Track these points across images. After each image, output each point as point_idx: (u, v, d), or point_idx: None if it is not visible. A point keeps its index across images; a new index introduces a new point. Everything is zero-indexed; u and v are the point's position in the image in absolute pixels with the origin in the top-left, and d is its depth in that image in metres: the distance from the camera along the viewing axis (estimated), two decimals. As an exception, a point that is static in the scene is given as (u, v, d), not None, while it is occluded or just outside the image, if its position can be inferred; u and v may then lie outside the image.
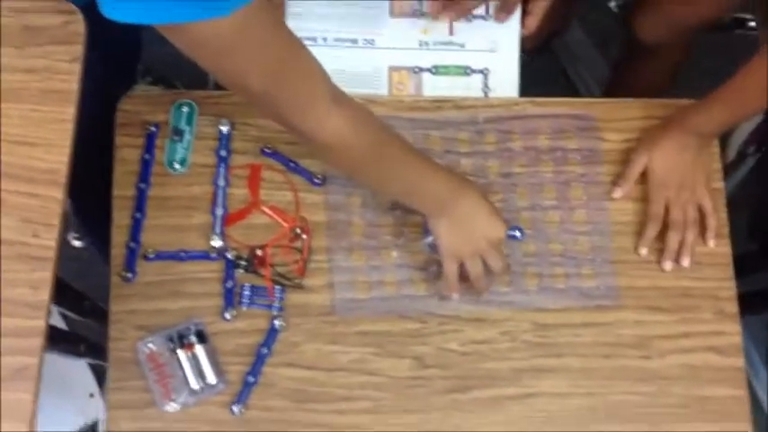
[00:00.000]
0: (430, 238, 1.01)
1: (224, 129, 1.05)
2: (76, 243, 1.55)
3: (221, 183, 1.04)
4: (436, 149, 1.08)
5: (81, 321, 1.27)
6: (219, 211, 1.03)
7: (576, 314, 1.05)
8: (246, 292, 1.00)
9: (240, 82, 0.77)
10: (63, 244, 1.50)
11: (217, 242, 1.01)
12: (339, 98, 0.84)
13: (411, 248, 1.05)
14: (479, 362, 1.03)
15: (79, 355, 1.19)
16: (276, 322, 0.99)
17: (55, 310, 1.41)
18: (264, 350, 0.99)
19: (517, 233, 1.03)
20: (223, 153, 1.05)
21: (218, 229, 1.02)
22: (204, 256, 1.02)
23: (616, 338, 1.05)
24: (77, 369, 1.46)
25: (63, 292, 1.13)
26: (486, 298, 1.03)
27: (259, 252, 1.01)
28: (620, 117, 1.12)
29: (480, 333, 1.04)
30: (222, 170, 1.04)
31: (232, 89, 0.82)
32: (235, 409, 0.97)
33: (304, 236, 1.03)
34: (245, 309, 1.00)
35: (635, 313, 1.06)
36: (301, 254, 1.02)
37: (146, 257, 1.00)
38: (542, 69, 1.79)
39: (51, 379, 1.29)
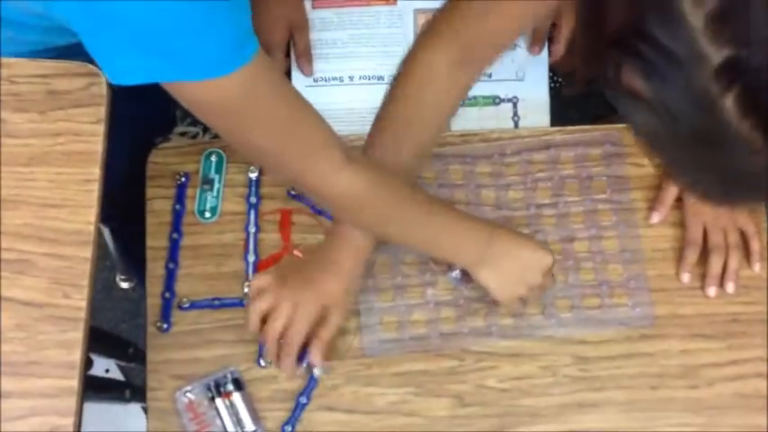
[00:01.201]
0: (456, 272, 1.00)
1: (253, 175, 1.06)
2: (124, 285, 1.58)
3: (252, 229, 1.04)
4: (457, 182, 1.07)
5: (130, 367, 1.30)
6: (251, 258, 1.04)
7: (618, 345, 1.02)
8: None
9: (246, 140, 0.77)
10: (111, 286, 1.56)
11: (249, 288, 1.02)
12: (352, 156, 0.83)
13: (439, 284, 1.03)
14: (519, 398, 1.01)
15: (125, 400, 1.21)
16: (316, 371, 0.99)
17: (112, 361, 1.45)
18: (303, 399, 0.99)
19: None
20: (253, 200, 1.05)
21: (251, 276, 1.03)
22: (238, 303, 1.02)
23: (661, 369, 1.02)
24: (131, 414, 1.49)
25: (106, 341, 1.15)
26: (522, 332, 1.02)
27: None
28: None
29: (518, 368, 1.02)
30: (253, 216, 1.05)
31: (237, 147, 0.83)
32: (274, 455, 0.97)
33: None
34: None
35: (679, 342, 1.02)
36: None
37: (180, 307, 1.01)
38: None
39: (106, 425, 1.33)
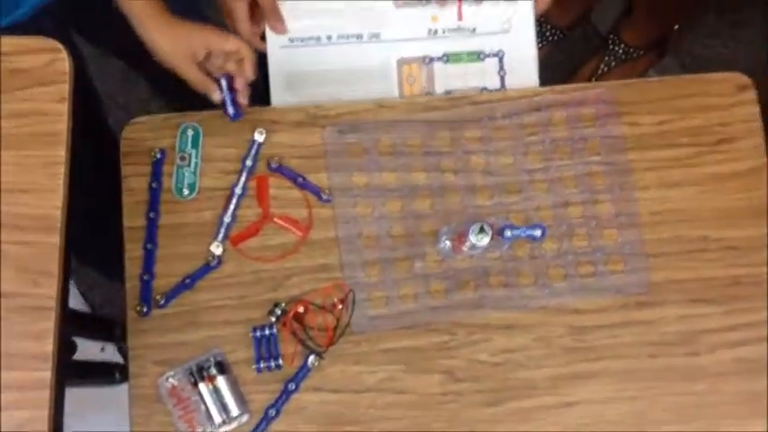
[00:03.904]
0: (445, 243, 0.97)
1: (260, 138, 1.02)
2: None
3: (238, 191, 1.01)
4: (444, 149, 1.03)
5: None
6: (227, 219, 1.00)
7: (614, 314, 0.99)
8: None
9: None
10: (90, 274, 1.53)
11: (218, 249, 0.99)
12: None
13: (427, 257, 1.00)
14: (513, 371, 0.98)
15: (115, 382, 1.18)
16: (310, 359, 0.96)
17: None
18: (292, 386, 0.96)
19: (537, 232, 0.97)
20: (249, 162, 1.01)
21: (220, 237, 0.99)
22: (206, 268, 0.99)
23: (659, 337, 0.98)
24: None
25: (90, 324, 1.12)
26: (515, 303, 0.98)
27: (300, 309, 0.97)
28: (650, 98, 1.04)
29: (512, 341, 0.98)
30: (243, 179, 1.01)
31: None
32: (262, 438, 0.95)
33: (339, 306, 0.98)
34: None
35: (678, 308, 0.99)
36: (336, 322, 0.97)
37: (158, 305, 0.98)
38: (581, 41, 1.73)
39: (99, 407, 1.31)
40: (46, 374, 0.81)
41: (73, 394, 0.96)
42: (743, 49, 1.74)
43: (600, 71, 1.73)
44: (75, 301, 1.49)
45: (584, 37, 1.79)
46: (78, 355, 1.15)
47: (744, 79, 1.05)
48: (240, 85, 1.00)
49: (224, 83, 0.99)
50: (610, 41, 1.72)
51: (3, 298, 0.81)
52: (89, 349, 1.39)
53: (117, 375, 1.19)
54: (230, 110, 1.00)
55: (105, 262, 1.23)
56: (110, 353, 1.44)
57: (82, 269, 1.47)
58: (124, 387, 1.39)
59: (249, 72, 1.00)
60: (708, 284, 0.99)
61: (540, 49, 1.10)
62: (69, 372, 0.87)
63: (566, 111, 1.04)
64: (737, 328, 0.98)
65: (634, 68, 1.73)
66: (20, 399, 0.80)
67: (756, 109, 1.04)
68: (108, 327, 1.21)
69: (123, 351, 1.46)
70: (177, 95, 1.05)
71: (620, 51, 1.72)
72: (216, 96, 0.99)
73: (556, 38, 1.76)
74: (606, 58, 1.74)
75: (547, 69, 1.10)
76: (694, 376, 0.98)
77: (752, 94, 1.04)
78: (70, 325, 0.92)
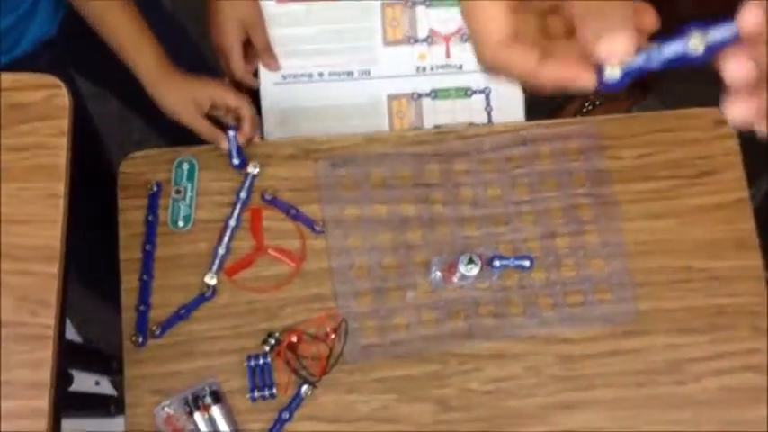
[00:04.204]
0: (436, 273, 0.99)
1: (254, 171, 1.04)
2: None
3: (232, 223, 1.02)
4: (434, 181, 1.05)
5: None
6: (221, 251, 1.02)
7: (603, 343, 1.01)
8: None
9: None
10: (90, 303, 1.54)
11: (212, 280, 1.00)
12: None
13: (419, 287, 1.02)
14: (504, 400, 0.99)
15: (111, 415, 1.19)
16: (303, 388, 0.97)
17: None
18: (286, 415, 0.97)
19: (526, 262, 0.99)
20: (243, 195, 1.03)
21: (214, 269, 1.01)
22: (200, 299, 1.00)
23: (647, 365, 1.00)
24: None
25: (86, 356, 1.13)
26: (505, 333, 1.00)
27: (294, 339, 0.98)
28: (632, 133, 1.07)
29: (503, 370, 1.00)
30: (237, 211, 1.03)
31: None
32: (255, 468, 0.95)
33: (332, 335, 0.99)
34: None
35: (665, 337, 1.01)
36: (329, 351, 0.98)
37: (154, 336, 0.99)
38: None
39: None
40: (43, 403, 0.82)
41: (70, 425, 0.97)
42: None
43: (585, 110, 1.77)
44: (70, 334, 1.50)
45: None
46: (73, 388, 1.16)
47: (721, 114, 1.08)
48: (241, 141, 1.03)
49: (231, 134, 1.01)
50: None
51: (3, 326, 0.83)
52: (84, 382, 1.40)
53: (112, 408, 1.19)
54: (236, 161, 1.03)
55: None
56: (104, 386, 1.45)
57: (77, 302, 1.49)
58: (119, 420, 1.40)
59: (248, 131, 1.03)
60: (693, 314, 1.02)
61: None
62: (65, 402, 0.87)
63: (551, 144, 1.07)
64: (723, 356, 1.00)
65: (618, 108, 1.77)
66: (17, 427, 0.81)
67: (735, 142, 1.07)
68: (104, 359, 1.22)
69: (117, 383, 1.46)
70: (174, 136, 1.08)
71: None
72: (224, 146, 1.02)
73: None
74: (591, 97, 1.77)
75: (532, 107, 1.13)
76: (681, 404, 0.99)
77: (730, 129, 1.07)
78: (66, 356, 0.93)
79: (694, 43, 0.43)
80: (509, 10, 0.48)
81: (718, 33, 0.42)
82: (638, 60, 0.44)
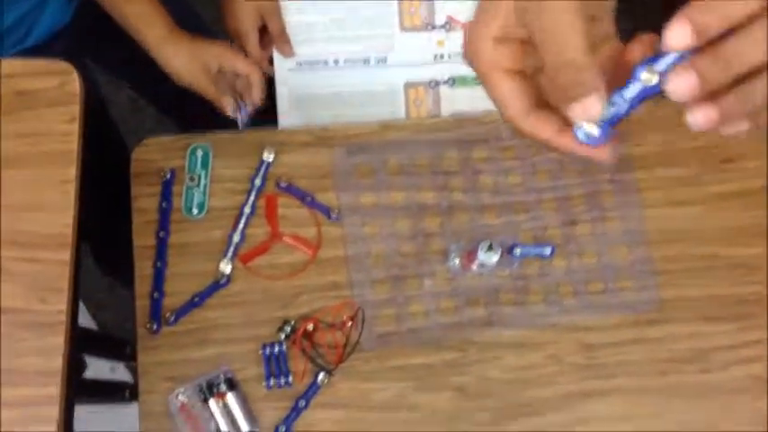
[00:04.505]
0: (455, 261, 0.97)
1: (269, 158, 1.03)
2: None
3: (247, 210, 1.01)
4: (452, 168, 1.03)
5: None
6: (236, 238, 1.00)
7: (625, 331, 0.99)
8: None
9: None
10: (114, 285, 1.53)
11: (227, 267, 0.99)
12: None
13: (437, 275, 1.00)
14: (524, 389, 0.97)
15: (125, 401, 1.18)
16: (320, 376, 0.96)
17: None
18: (302, 403, 0.95)
19: (547, 250, 0.97)
20: (258, 182, 1.02)
21: (229, 255, 1.00)
22: (215, 286, 0.99)
23: (671, 353, 0.98)
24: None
25: (99, 343, 1.12)
26: (525, 321, 0.98)
27: (310, 327, 0.97)
28: (655, 118, 1.05)
29: (523, 358, 0.98)
30: (252, 198, 1.01)
31: None
32: (271, 456, 0.94)
33: (349, 323, 0.98)
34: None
35: (688, 325, 0.99)
36: (346, 339, 0.97)
37: (168, 323, 0.98)
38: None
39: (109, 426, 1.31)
40: (55, 390, 0.81)
41: (84, 411, 0.96)
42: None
43: None
44: (85, 320, 1.50)
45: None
46: (88, 375, 1.15)
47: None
48: (248, 109, 1.01)
49: (242, 105, 1.00)
50: None
51: (12, 314, 0.82)
52: (99, 369, 1.39)
53: (126, 394, 1.18)
54: (243, 114, 1.02)
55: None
56: (119, 373, 1.44)
57: (93, 288, 1.49)
58: (134, 406, 1.40)
59: (257, 98, 1.01)
60: (717, 301, 0.99)
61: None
62: (79, 389, 0.86)
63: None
64: (749, 344, 0.98)
65: None
66: (28, 415, 0.80)
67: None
68: (118, 345, 1.21)
69: (133, 369, 1.46)
70: (187, 123, 1.06)
71: None
72: (229, 111, 1.00)
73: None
74: None
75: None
76: (706, 393, 0.97)
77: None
78: (80, 343, 0.92)
79: (647, 77, 0.45)
80: (525, 83, 0.48)
81: (663, 61, 0.44)
82: (610, 111, 0.46)
